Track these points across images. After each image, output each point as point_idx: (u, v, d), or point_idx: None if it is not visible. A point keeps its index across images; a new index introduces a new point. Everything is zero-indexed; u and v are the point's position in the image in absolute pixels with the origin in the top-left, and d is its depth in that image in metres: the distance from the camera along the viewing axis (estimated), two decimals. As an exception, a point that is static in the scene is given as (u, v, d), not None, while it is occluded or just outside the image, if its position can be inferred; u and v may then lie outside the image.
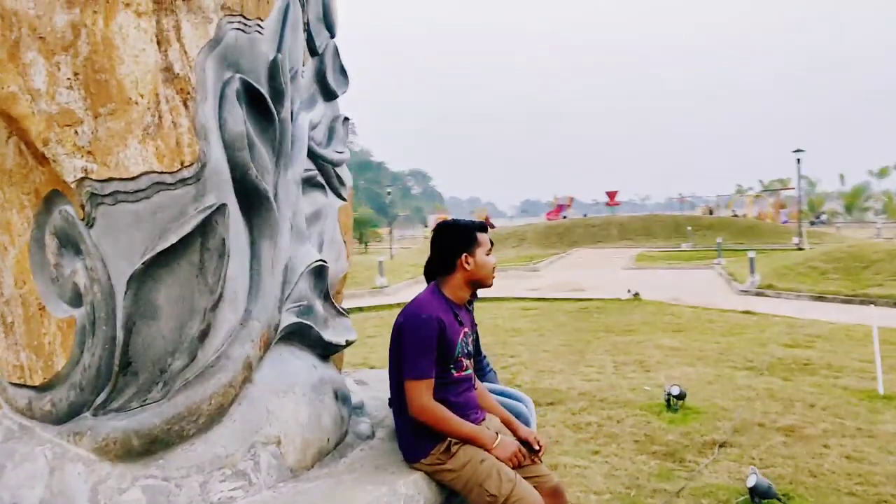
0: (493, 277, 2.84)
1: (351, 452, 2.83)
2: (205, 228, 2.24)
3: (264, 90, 2.45)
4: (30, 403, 2.38)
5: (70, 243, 2.27)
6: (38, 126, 2.15)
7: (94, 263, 2.21)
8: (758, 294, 15.24)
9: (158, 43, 2.15)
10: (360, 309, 12.97)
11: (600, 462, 4.51)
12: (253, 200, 2.44)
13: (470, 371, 2.70)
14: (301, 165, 2.78)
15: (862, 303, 13.10)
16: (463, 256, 2.65)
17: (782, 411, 5.58)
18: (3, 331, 2.43)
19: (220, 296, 2.31)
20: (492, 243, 2.84)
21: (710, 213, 58.58)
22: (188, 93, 2.18)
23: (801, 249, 25.19)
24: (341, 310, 3.12)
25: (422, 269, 2.92)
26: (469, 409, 2.64)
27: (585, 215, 57.25)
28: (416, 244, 46.67)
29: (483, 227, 2.78)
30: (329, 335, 2.87)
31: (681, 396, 5.67)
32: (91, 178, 2.15)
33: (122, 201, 2.16)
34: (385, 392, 2.92)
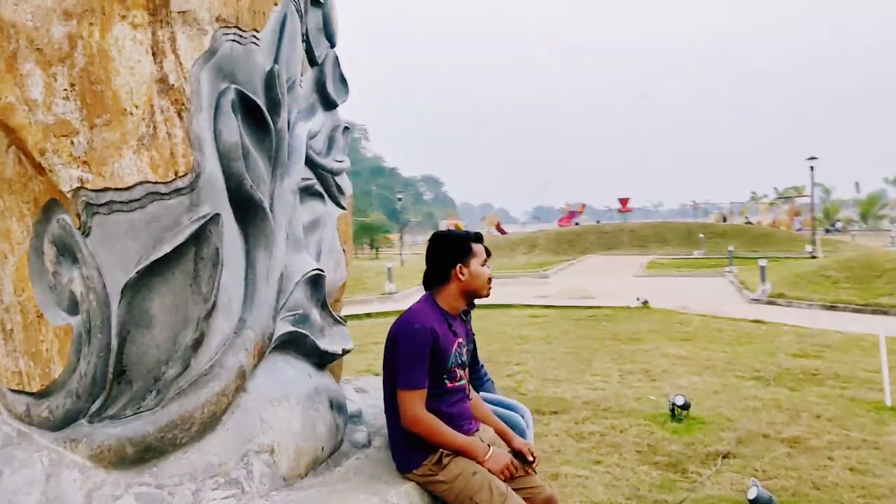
0: (489, 288, 2.84)
1: (346, 461, 2.84)
2: (199, 238, 2.26)
3: (260, 101, 2.47)
4: (28, 410, 2.40)
5: (67, 252, 2.30)
6: (34, 136, 2.18)
7: (90, 272, 2.24)
8: (769, 303, 15.13)
9: (154, 54, 2.17)
10: (369, 315, 13.00)
11: (602, 472, 4.49)
12: (248, 210, 2.46)
13: (464, 381, 2.69)
14: (298, 175, 2.79)
15: (874, 312, 12.99)
16: (457, 267, 2.65)
17: (788, 422, 5.53)
18: (3, 337, 2.45)
19: (214, 305, 2.32)
20: (488, 254, 2.84)
21: (724, 220, 58.24)
22: (183, 104, 2.20)
23: (814, 258, 24.99)
24: (339, 318, 3.12)
25: None
26: (462, 420, 2.64)
27: (598, 222, 57.12)
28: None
29: (478, 237, 2.78)
30: (325, 344, 2.87)
31: (685, 406, 5.63)
32: (87, 188, 2.17)
33: (117, 211, 2.19)
34: (384, 400, 2.92)
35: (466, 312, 3.25)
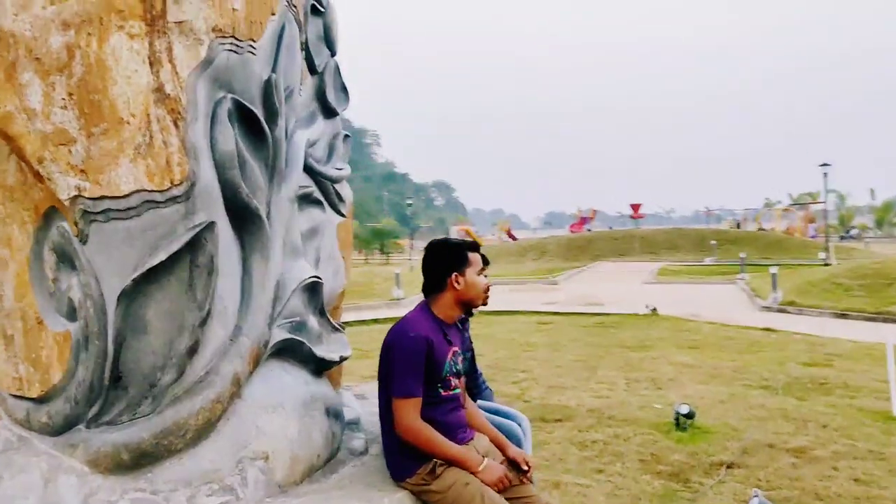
0: (487, 297, 2.84)
1: (342, 468, 2.84)
2: (194, 246, 2.27)
3: (258, 109, 2.49)
4: (28, 415, 2.43)
5: (66, 259, 2.33)
6: (33, 145, 2.22)
7: (87, 279, 2.27)
8: (780, 310, 15.02)
9: (151, 64, 2.19)
10: (376, 320, 13.02)
11: (603, 481, 4.47)
12: (244, 218, 2.47)
13: (458, 390, 2.69)
14: (296, 183, 2.81)
15: (886, 320, 12.86)
16: (453, 276, 2.65)
17: (794, 432, 5.49)
18: (4, 343, 2.48)
19: (209, 312, 2.34)
20: (486, 263, 2.84)
21: (738, 226, 57.95)
22: (179, 113, 2.22)
23: (827, 265, 24.80)
24: (337, 325, 3.14)
25: None
26: (457, 429, 2.64)
27: (611, 228, 56.94)
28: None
29: (475, 246, 2.78)
30: (322, 351, 2.88)
31: (690, 415, 5.60)
32: (84, 196, 2.20)
33: (114, 219, 2.22)
34: (384, 407, 2.92)
35: (464, 320, 3.26)
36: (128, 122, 2.18)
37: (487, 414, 3.02)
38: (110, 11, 2.16)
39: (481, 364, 8.34)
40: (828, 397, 6.67)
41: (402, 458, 2.57)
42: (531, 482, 2.74)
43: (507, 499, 2.53)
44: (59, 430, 2.38)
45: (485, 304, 2.90)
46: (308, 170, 3.00)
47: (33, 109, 2.19)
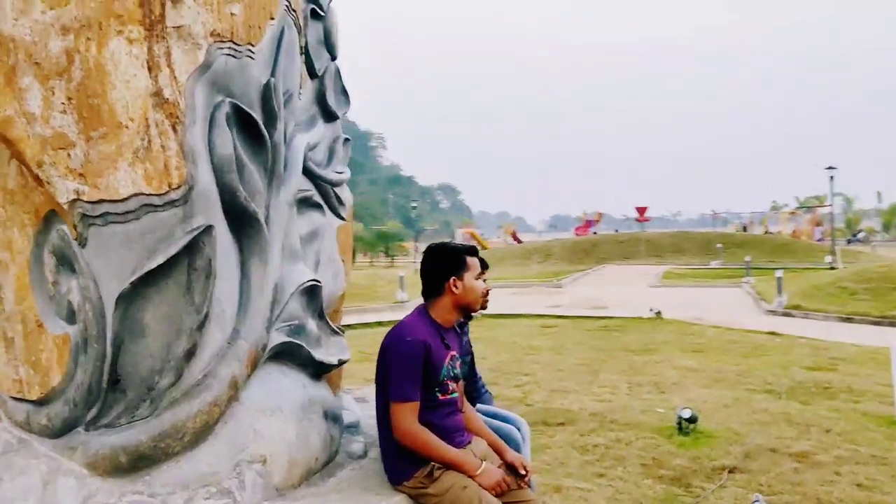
0: (487, 301, 2.84)
1: (340, 472, 2.85)
2: (192, 249, 2.28)
3: (256, 113, 2.50)
4: (28, 417, 2.44)
5: (66, 262, 2.35)
6: (32, 149, 2.23)
7: (86, 282, 2.28)
8: (784, 314, 14.96)
9: (149, 69, 2.21)
10: (380, 323, 13.01)
11: (604, 485, 4.46)
12: (242, 221, 2.48)
13: (456, 394, 2.69)
14: (295, 186, 2.82)
15: (891, 324, 12.81)
16: (451, 280, 2.65)
17: (797, 436, 5.47)
18: (4, 345, 2.49)
19: (207, 315, 2.35)
20: (486, 267, 2.84)
21: (744, 229, 57.77)
22: (177, 117, 2.23)
23: (833, 269, 24.70)
24: (336, 329, 3.14)
25: None
26: (454, 432, 2.64)
27: (617, 231, 56.85)
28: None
29: (473, 251, 2.79)
30: (320, 354, 2.89)
31: (692, 419, 5.58)
32: (82, 200, 2.22)
33: (113, 222, 2.23)
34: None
35: (464, 324, 3.26)
36: (126, 127, 2.20)
37: (486, 418, 3.02)
38: (109, 16, 2.18)
39: (484, 367, 8.33)
40: (831, 401, 6.64)
41: (400, 462, 2.57)
42: (529, 486, 2.74)
43: (504, 503, 2.53)
44: (59, 432, 2.39)
45: (484, 308, 2.90)
46: (308, 173, 3.02)
47: (33, 113, 2.21)
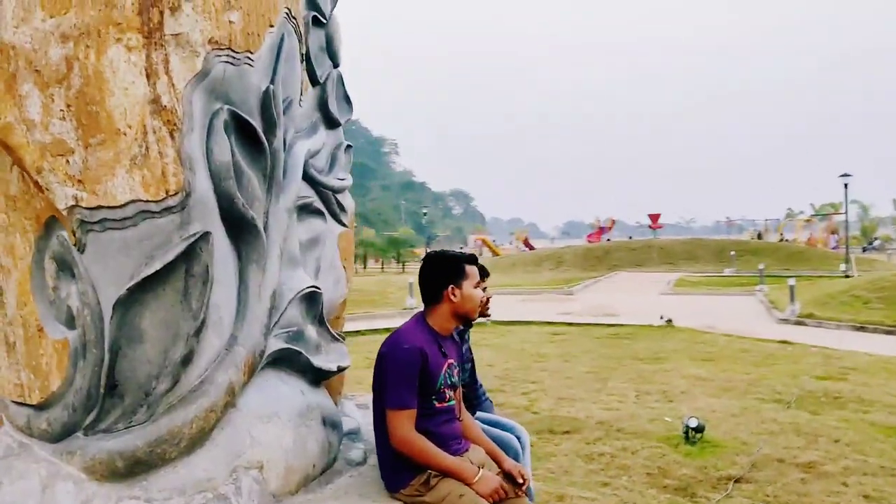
0: (488, 309, 2.83)
1: (338, 479, 2.84)
2: (189, 256, 2.29)
3: (255, 120, 2.51)
4: (29, 421, 2.45)
5: (66, 267, 2.36)
6: (32, 155, 2.25)
7: (85, 287, 2.29)
8: (797, 323, 14.83)
9: (147, 76, 2.22)
10: (389, 329, 13.00)
11: (609, 494, 4.43)
12: (241, 228, 2.49)
13: (453, 402, 2.69)
14: (294, 193, 2.82)
15: (905, 334, 12.67)
16: (449, 288, 2.65)
17: (805, 446, 5.41)
18: (6, 350, 2.51)
19: (204, 322, 2.35)
20: (486, 275, 2.83)
21: (759, 237, 57.39)
22: (174, 124, 2.24)
23: (847, 277, 24.47)
24: (337, 335, 3.14)
25: None
26: (451, 440, 2.63)
27: (630, 238, 56.64)
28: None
29: (472, 259, 2.78)
30: (320, 361, 2.89)
31: (699, 429, 5.54)
32: (81, 206, 2.23)
33: (110, 228, 2.24)
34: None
35: (464, 332, 3.25)
36: (124, 133, 2.21)
37: (484, 426, 3.01)
38: (108, 24, 2.19)
39: (491, 375, 8.34)
40: (841, 411, 6.57)
41: (396, 470, 2.56)
42: (527, 495, 2.72)
43: (501, 512, 2.52)
44: (58, 436, 2.40)
45: (483, 315, 2.89)
46: (310, 180, 3.02)
47: (32, 120, 2.23)
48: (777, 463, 5.02)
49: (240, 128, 2.46)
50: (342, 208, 3.37)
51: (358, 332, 11.52)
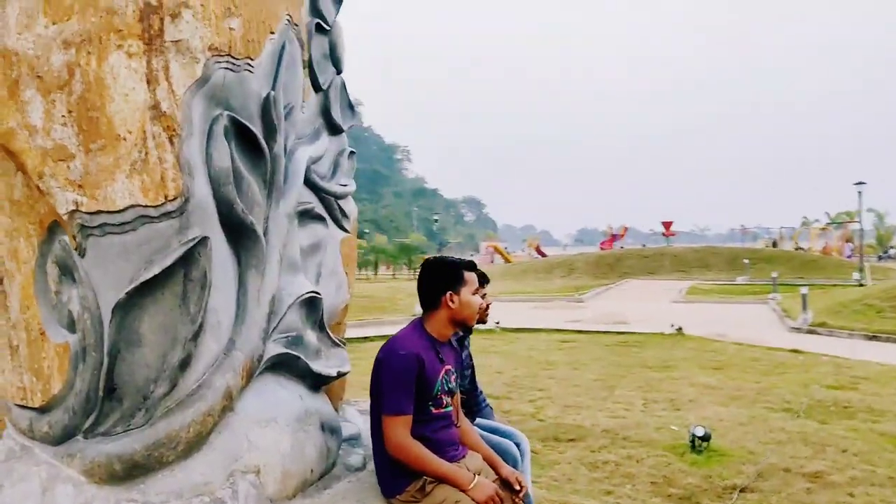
0: (487, 315, 2.83)
1: (336, 484, 2.84)
2: (187, 260, 2.31)
3: (256, 126, 2.53)
4: (31, 424, 2.48)
5: (68, 272, 2.39)
6: (34, 160, 2.28)
7: (85, 291, 2.32)
8: (809, 332, 14.70)
9: (148, 82, 2.25)
10: (397, 335, 13.05)
11: (612, 503, 4.41)
12: (240, 233, 2.51)
13: (450, 408, 2.69)
14: (295, 199, 2.84)
15: (919, 344, 12.53)
16: (447, 294, 2.65)
17: (812, 456, 5.36)
18: (9, 353, 2.54)
19: (202, 326, 2.37)
20: (486, 281, 2.83)
21: (774, 245, 56.96)
22: (174, 130, 2.27)
23: (861, 285, 24.24)
24: (338, 341, 3.14)
25: None
26: (448, 446, 2.63)
27: (644, 245, 56.39)
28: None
29: (471, 265, 2.78)
30: (319, 366, 2.89)
31: (705, 438, 5.50)
32: (81, 211, 2.26)
33: (110, 233, 2.27)
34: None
35: (464, 338, 3.25)
36: (124, 139, 2.24)
37: (483, 432, 3.01)
38: (110, 31, 2.22)
39: (498, 382, 8.31)
40: (850, 421, 6.50)
41: (393, 475, 2.57)
42: (524, 502, 2.71)
43: (499, 519, 2.51)
44: (59, 439, 2.42)
45: (482, 322, 2.89)
46: (312, 185, 3.04)
47: (34, 126, 2.26)
48: (783, 472, 4.97)
49: (240, 133, 2.48)
50: (344, 214, 3.38)
51: (366, 339, 11.53)
